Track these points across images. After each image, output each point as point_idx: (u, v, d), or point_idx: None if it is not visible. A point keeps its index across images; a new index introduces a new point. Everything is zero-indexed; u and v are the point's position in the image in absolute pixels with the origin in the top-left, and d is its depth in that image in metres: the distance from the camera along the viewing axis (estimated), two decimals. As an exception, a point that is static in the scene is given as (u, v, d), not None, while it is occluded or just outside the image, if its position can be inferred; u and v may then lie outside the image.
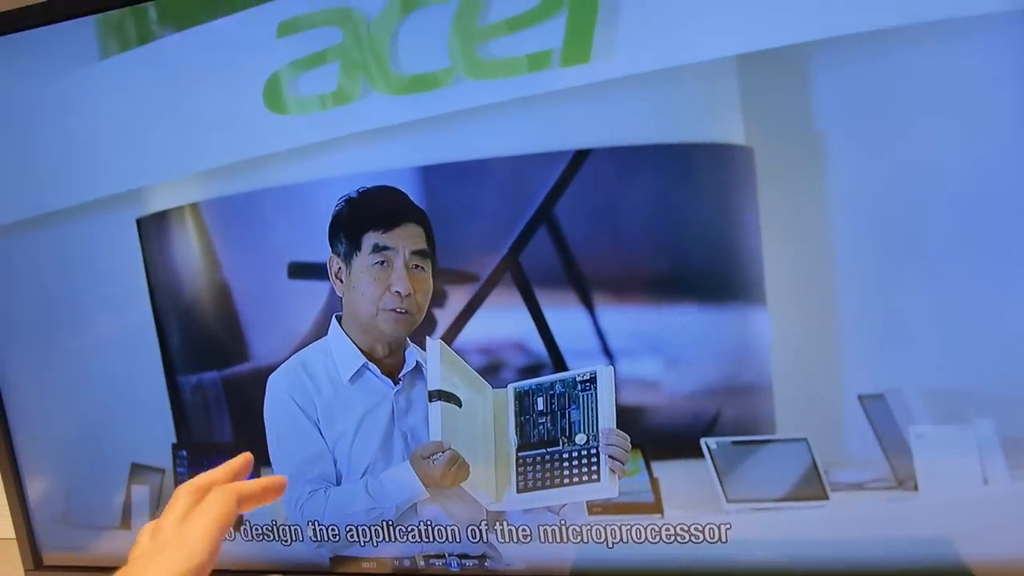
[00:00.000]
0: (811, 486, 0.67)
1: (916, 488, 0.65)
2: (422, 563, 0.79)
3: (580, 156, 0.68)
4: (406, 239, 0.72)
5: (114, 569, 0.91)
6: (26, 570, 0.95)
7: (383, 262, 0.72)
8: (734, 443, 0.68)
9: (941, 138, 0.61)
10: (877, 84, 0.62)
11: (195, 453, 0.84)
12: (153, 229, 0.80)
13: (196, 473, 0.84)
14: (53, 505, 0.93)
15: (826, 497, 0.67)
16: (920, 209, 0.62)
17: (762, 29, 0.63)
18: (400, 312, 0.73)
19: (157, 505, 0.87)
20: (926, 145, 0.62)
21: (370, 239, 0.72)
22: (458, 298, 0.72)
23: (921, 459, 0.64)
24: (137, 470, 0.87)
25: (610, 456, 0.70)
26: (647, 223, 0.67)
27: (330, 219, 0.73)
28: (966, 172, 0.61)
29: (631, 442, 0.70)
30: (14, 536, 1.07)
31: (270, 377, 0.78)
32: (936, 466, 0.64)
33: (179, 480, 0.85)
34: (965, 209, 0.62)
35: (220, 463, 0.83)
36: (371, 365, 0.75)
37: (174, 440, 0.84)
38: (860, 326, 0.64)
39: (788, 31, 0.62)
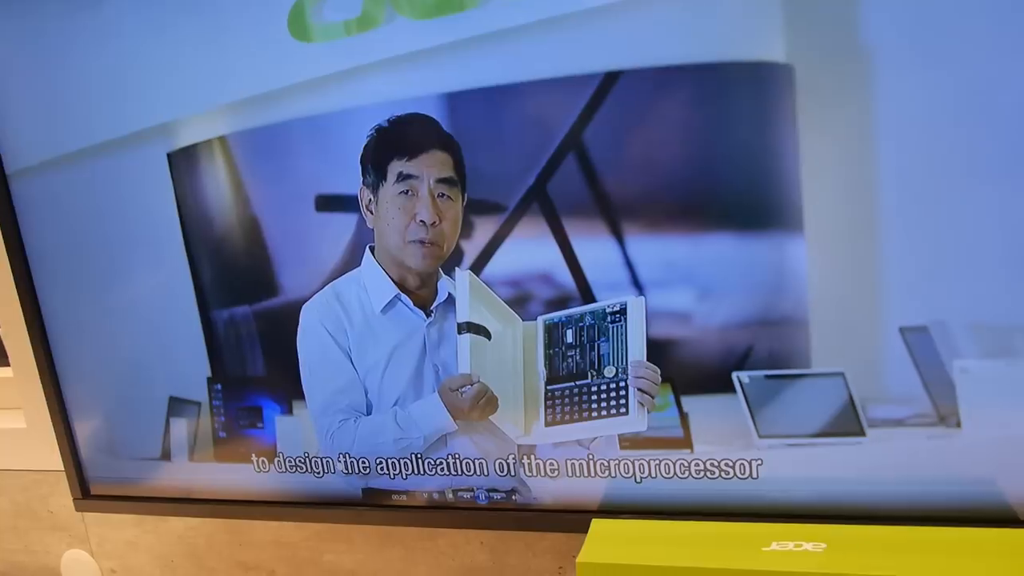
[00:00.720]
0: (847, 422, 0.67)
1: (959, 425, 0.64)
2: (451, 496, 0.82)
3: (610, 79, 0.67)
4: (431, 166, 0.72)
5: (156, 499, 0.96)
6: (75, 499, 1.01)
7: (408, 191, 0.73)
8: (767, 377, 0.68)
9: (1002, 54, 0.58)
10: (931, -4, 0.59)
11: (229, 386, 0.87)
12: (183, 163, 0.83)
13: (231, 406, 0.89)
14: (98, 438, 0.98)
15: (863, 433, 0.67)
16: (975, 133, 0.60)
17: (806, -63, 0.61)
18: (426, 244, 0.74)
19: (195, 438, 0.91)
20: (986, 62, 0.59)
21: (395, 168, 0.73)
22: (485, 229, 0.73)
23: (965, 395, 0.63)
24: (175, 403, 0.91)
25: (639, 389, 0.71)
26: (680, 148, 0.66)
27: (361, 149, 0.74)
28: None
29: (661, 376, 0.71)
30: (63, 468, 1.14)
31: (304, 306, 0.80)
32: (981, 402, 0.63)
33: (215, 413, 0.89)
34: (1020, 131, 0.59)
35: (254, 396, 0.87)
36: (403, 296, 0.76)
37: (209, 374, 0.88)
38: (904, 255, 0.63)
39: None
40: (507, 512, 0.80)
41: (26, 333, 1.05)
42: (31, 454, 1.18)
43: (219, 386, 0.88)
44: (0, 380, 1.24)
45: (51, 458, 1.17)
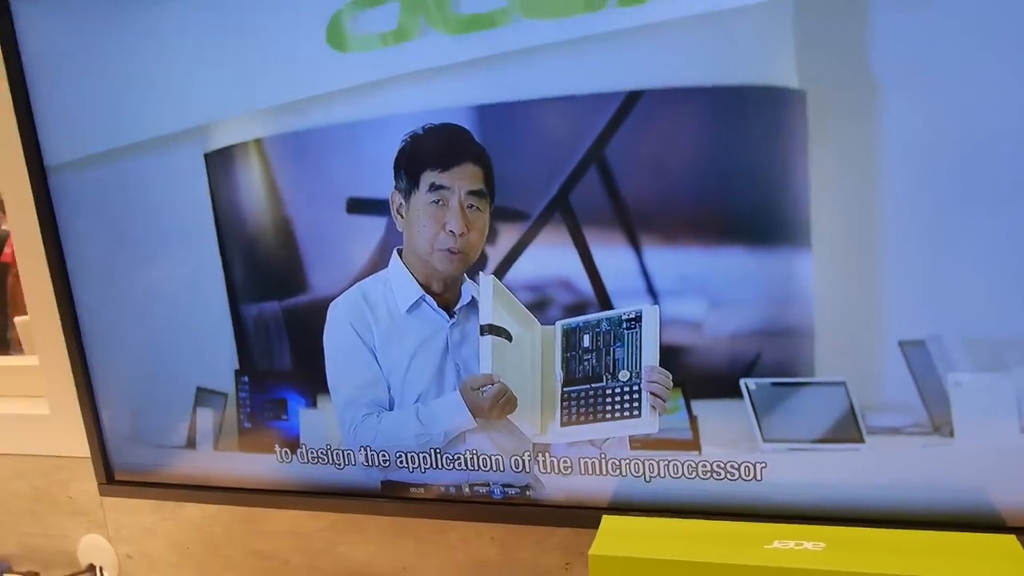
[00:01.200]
0: (847, 429, 0.72)
1: (952, 434, 0.70)
2: (467, 490, 0.87)
3: (632, 98, 0.72)
4: (462, 179, 0.78)
5: (179, 486, 1.01)
6: (99, 484, 1.07)
7: (439, 201, 0.79)
8: (773, 384, 0.73)
9: (1001, 83, 0.64)
10: (937, 29, 0.65)
11: (256, 379, 0.93)
12: (219, 164, 0.88)
13: (257, 398, 0.94)
14: (124, 426, 1.04)
15: (862, 440, 0.72)
16: (973, 157, 0.66)
17: (821, -29, 0.66)
18: (454, 252, 0.80)
19: (220, 428, 0.97)
20: (986, 90, 0.65)
21: (427, 178, 0.79)
22: (509, 236, 0.78)
23: (958, 406, 0.69)
24: (202, 394, 0.97)
25: (652, 393, 0.76)
26: (697, 165, 0.72)
27: (395, 154, 0.80)
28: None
29: (673, 380, 0.76)
30: (88, 455, 1.20)
31: (331, 304, 0.86)
32: (973, 413, 0.69)
33: (241, 404, 0.95)
34: (1018, 158, 0.65)
35: (279, 389, 0.93)
36: (428, 298, 0.82)
37: (237, 366, 0.93)
38: (905, 273, 0.68)
39: (848, -26, 0.66)
40: (520, 507, 0.86)
41: (55, 323, 1.11)
42: (53, 440, 1.24)
43: (246, 378, 0.93)
44: (26, 368, 1.30)
45: (73, 445, 1.23)
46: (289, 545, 1.14)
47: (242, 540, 1.17)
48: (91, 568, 1.27)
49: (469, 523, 1.02)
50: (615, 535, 0.75)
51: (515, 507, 0.86)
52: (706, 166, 0.72)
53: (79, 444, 1.22)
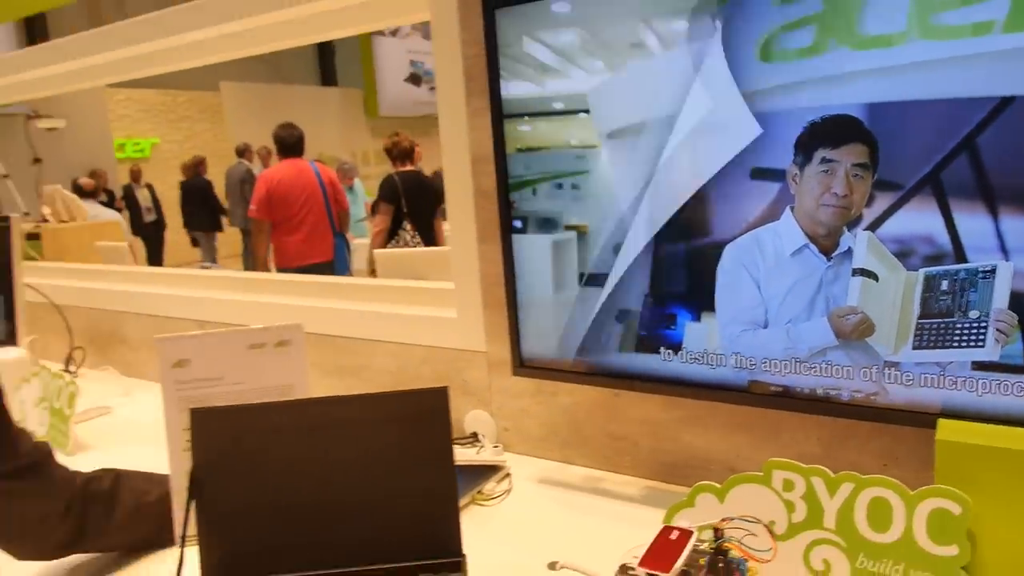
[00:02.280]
0: None
1: None
2: (820, 391, 1.17)
3: (1005, 102, 0.97)
4: (849, 154, 1.07)
5: (579, 374, 1.39)
6: (514, 367, 1.48)
7: (828, 171, 1.08)
8: (1104, 329, 0.96)
9: None
10: None
11: (656, 299, 1.28)
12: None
13: (655, 311, 1.29)
14: (535, 328, 1.44)
15: None
16: None
17: None
18: (836, 207, 1.09)
19: (622, 336, 1.33)
20: None
21: (820, 154, 1.09)
22: (884, 200, 1.06)
23: None
24: (620, 312, 1.33)
25: (997, 330, 1.01)
26: (1056, 156, 0.96)
27: (796, 136, 1.10)
28: None
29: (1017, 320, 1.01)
30: (485, 350, 1.63)
31: (727, 245, 1.19)
32: None
33: (642, 317, 1.30)
34: None
35: (673, 305, 1.27)
36: (811, 245, 1.12)
37: (647, 291, 1.29)
38: None
39: None
40: (864, 408, 1.14)
41: (472, 256, 1.53)
42: (457, 338, 1.70)
43: (650, 299, 1.29)
44: (444, 291, 1.77)
45: (472, 342, 1.67)
46: (640, 431, 1.51)
47: (600, 423, 1.55)
48: (473, 435, 1.72)
49: (800, 423, 1.32)
50: (952, 431, 1.02)
51: (860, 407, 1.15)
52: (1064, 156, 0.95)
53: (477, 341, 1.67)
